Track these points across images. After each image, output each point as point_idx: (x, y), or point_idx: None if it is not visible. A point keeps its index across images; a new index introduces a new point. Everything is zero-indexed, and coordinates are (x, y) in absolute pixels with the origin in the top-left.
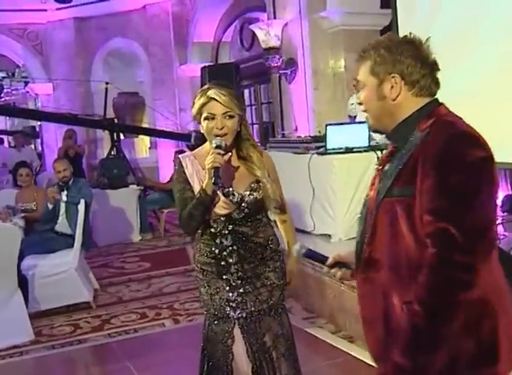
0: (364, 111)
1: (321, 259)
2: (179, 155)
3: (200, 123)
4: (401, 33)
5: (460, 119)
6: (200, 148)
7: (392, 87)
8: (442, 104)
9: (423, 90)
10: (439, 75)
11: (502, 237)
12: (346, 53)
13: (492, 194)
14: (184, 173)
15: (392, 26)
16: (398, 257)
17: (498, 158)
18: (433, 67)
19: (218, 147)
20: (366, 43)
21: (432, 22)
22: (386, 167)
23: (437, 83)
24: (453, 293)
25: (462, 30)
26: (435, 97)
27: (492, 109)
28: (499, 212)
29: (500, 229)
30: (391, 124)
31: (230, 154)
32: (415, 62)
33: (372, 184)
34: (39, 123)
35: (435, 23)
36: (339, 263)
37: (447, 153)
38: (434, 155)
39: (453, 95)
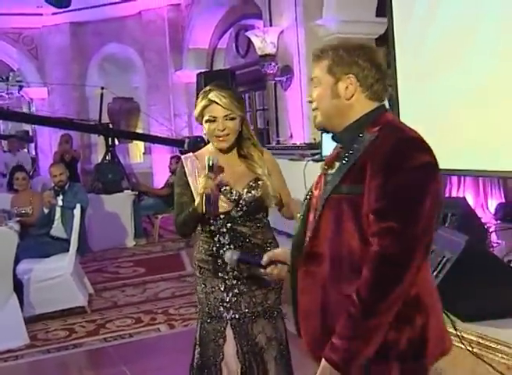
0: (315, 109)
1: (256, 261)
2: (182, 156)
3: (202, 124)
4: (397, 42)
5: (406, 125)
6: (203, 148)
7: (347, 87)
8: (387, 110)
9: (375, 94)
10: (436, 80)
11: (495, 244)
12: None
13: (435, 198)
14: (185, 175)
15: (388, 34)
16: (341, 252)
17: (493, 167)
18: (385, 75)
19: (210, 168)
20: None
21: (427, 31)
22: (333, 166)
23: (387, 91)
24: (390, 289)
25: (458, 36)
26: (383, 103)
27: (488, 116)
28: (492, 220)
29: (494, 237)
30: (340, 125)
31: (222, 175)
32: (371, 67)
33: (317, 183)
34: (33, 127)
35: (430, 32)
36: (274, 262)
37: (395, 156)
38: (382, 157)
39: (447, 100)
